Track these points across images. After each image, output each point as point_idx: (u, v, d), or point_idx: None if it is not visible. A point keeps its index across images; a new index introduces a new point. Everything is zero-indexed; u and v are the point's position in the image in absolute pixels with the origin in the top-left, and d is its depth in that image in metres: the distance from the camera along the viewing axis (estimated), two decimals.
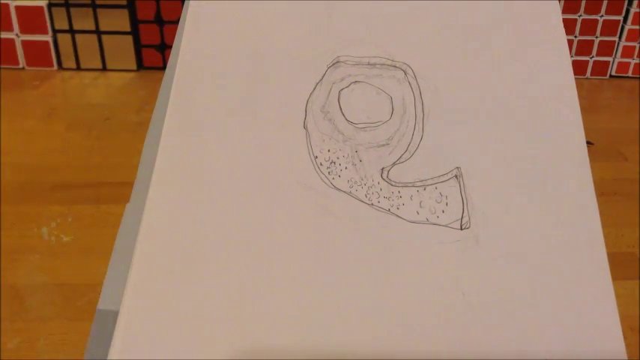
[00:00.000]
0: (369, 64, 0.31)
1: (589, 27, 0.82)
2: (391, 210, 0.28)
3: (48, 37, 0.83)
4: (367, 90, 0.31)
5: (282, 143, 0.29)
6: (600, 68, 0.85)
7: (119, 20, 0.80)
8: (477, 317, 0.26)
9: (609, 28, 0.82)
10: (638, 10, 0.81)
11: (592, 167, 0.29)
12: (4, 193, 0.64)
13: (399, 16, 0.33)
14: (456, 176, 0.29)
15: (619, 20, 0.82)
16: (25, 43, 0.88)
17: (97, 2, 0.79)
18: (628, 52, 0.84)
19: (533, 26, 0.33)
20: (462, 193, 0.28)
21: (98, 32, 0.81)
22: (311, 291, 0.26)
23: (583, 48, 0.84)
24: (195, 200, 0.28)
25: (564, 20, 0.34)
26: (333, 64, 0.31)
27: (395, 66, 0.31)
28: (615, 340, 0.25)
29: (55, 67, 0.86)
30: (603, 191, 0.53)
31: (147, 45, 0.82)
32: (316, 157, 0.29)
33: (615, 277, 0.26)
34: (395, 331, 0.25)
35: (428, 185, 0.29)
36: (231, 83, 0.31)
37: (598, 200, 0.28)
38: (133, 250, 0.26)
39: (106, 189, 0.65)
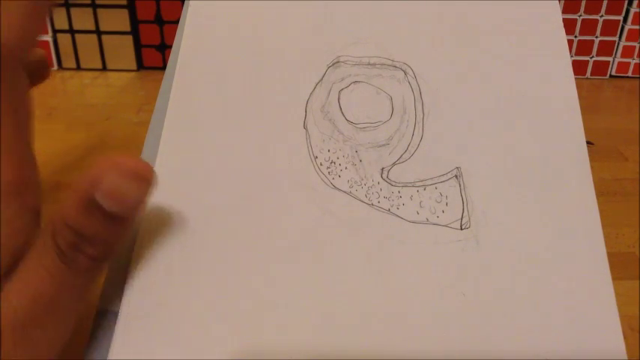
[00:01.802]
0: (369, 64, 0.31)
1: (589, 27, 0.82)
2: (391, 210, 0.28)
3: (48, 37, 0.83)
4: (367, 90, 0.31)
5: (282, 143, 0.29)
6: (600, 68, 0.85)
7: (119, 20, 0.79)
8: (477, 317, 0.26)
9: (609, 28, 0.82)
10: (638, 10, 0.81)
11: (592, 167, 0.29)
12: None
13: (399, 16, 0.33)
14: (456, 176, 0.29)
15: (619, 20, 0.82)
16: None
17: (97, 2, 0.79)
18: (628, 52, 0.84)
19: (533, 26, 0.33)
20: (462, 193, 0.28)
21: (98, 32, 0.81)
22: (310, 291, 0.26)
23: (583, 48, 0.84)
24: (195, 200, 0.28)
25: (564, 20, 0.34)
26: (333, 64, 0.31)
27: (395, 66, 0.31)
28: (615, 340, 0.25)
29: (55, 67, 0.86)
30: (603, 191, 0.53)
31: (147, 45, 0.82)
32: (316, 157, 0.29)
33: (615, 277, 0.26)
34: (395, 331, 0.25)
35: (428, 185, 0.29)
36: (231, 83, 0.31)
37: (598, 200, 0.28)
38: (132, 250, 0.26)
39: None
